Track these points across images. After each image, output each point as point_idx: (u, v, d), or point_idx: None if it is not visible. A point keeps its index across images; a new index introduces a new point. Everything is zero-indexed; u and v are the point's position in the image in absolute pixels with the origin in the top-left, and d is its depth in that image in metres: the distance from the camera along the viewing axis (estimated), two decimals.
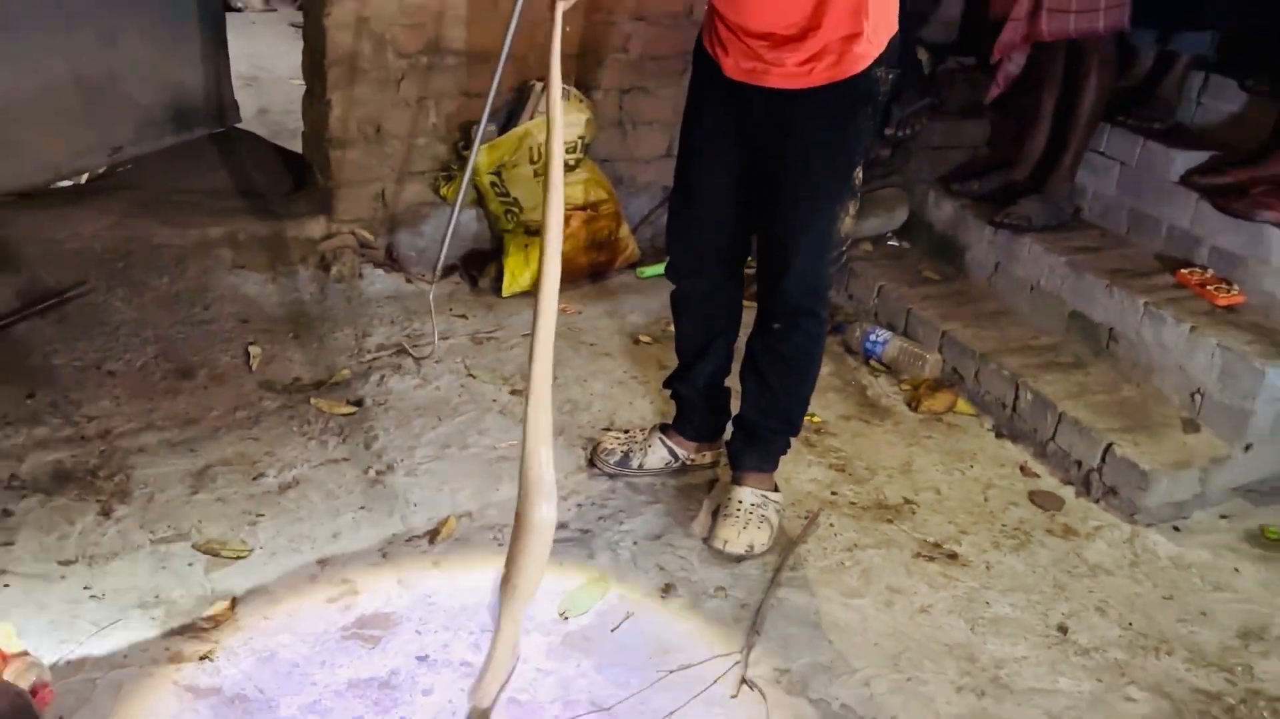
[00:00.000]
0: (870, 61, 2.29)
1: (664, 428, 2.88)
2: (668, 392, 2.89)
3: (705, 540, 2.63)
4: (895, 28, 2.34)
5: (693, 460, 2.87)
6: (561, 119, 2.01)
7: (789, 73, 2.28)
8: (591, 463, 2.87)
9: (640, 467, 2.83)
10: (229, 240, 3.56)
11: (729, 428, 2.79)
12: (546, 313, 1.98)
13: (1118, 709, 2.28)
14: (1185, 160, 3.48)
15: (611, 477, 2.83)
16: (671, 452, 2.84)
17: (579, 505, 2.73)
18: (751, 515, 2.62)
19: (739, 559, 2.58)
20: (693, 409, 2.82)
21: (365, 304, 3.51)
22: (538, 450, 1.94)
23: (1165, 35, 3.59)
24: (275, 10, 7.05)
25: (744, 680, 2.25)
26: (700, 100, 2.51)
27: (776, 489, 2.72)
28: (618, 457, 2.84)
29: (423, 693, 2.15)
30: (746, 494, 2.66)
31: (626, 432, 2.93)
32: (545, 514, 1.93)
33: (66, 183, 3.82)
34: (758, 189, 2.46)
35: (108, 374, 3.04)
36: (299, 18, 6.77)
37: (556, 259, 2.01)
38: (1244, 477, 3.00)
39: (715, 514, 2.66)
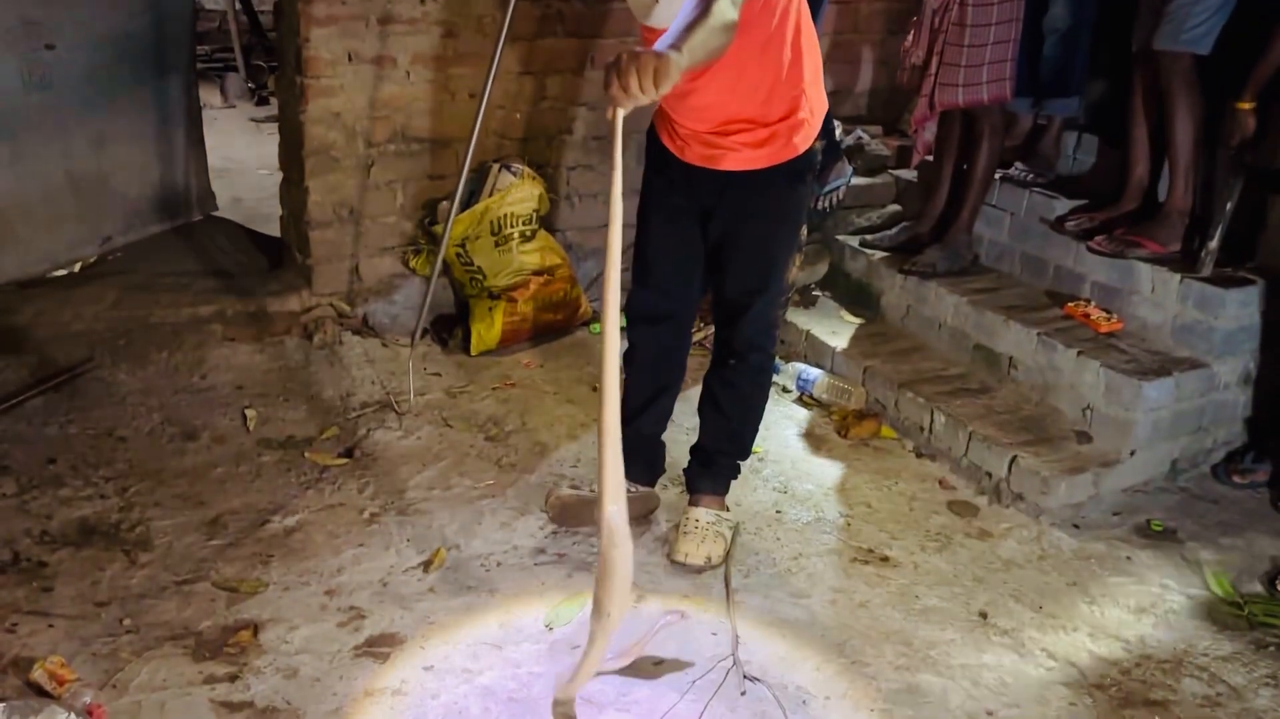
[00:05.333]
0: (812, 140, 2.59)
1: None
2: None
3: (667, 556, 2.85)
4: (827, 106, 2.65)
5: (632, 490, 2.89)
6: (620, 218, 2.04)
7: (743, 158, 2.53)
8: (547, 501, 2.98)
9: (592, 490, 2.92)
10: (219, 316, 3.74)
11: (677, 460, 3.01)
12: (610, 384, 2.07)
13: (1032, 676, 2.53)
14: (1064, 208, 3.81)
15: (578, 496, 2.96)
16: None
17: (555, 533, 2.93)
18: (708, 532, 2.84)
19: (699, 570, 2.80)
20: (634, 455, 2.74)
21: (346, 368, 3.70)
22: (611, 509, 2.09)
23: (1039, 102, 3.95)
24: (234, 106, 7.26)
25: (746, 677, 2.44)
26: (657, 183, 2.72)
27: (728, 509, 2.95)
28: (567, 485, 3.01)
29: (431, 696, 2.34)
30: (703, 514, 2.88)
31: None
32: (624, 554, 2.10)
33: (62, 271, 3.99)
34: (716, 250, 2.69)
35: (119, 439, 3.20)
36: (258, 113, 7.03)
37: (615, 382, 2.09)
38: (1130, 479, 3.27)
39: (675, 532, 2.88)
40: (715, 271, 2.75)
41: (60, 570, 2.64)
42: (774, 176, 2.59)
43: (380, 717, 2.27)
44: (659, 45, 2.05)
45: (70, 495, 2.93)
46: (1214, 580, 2.89)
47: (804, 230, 2.73)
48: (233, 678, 2.34)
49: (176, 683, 2.31)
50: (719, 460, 2.93)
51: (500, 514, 3.00)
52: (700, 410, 2.92)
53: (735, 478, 2.98)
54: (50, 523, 2.81)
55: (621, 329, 2.22)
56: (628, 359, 2.88)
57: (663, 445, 3.00)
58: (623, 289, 2.16)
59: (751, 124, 2.52)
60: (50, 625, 2.45)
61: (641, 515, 2.97)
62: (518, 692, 2.37)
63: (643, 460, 2.93)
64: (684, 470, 2.99)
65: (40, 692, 2.22)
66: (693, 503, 2.92)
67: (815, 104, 2.60)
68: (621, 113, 2.03)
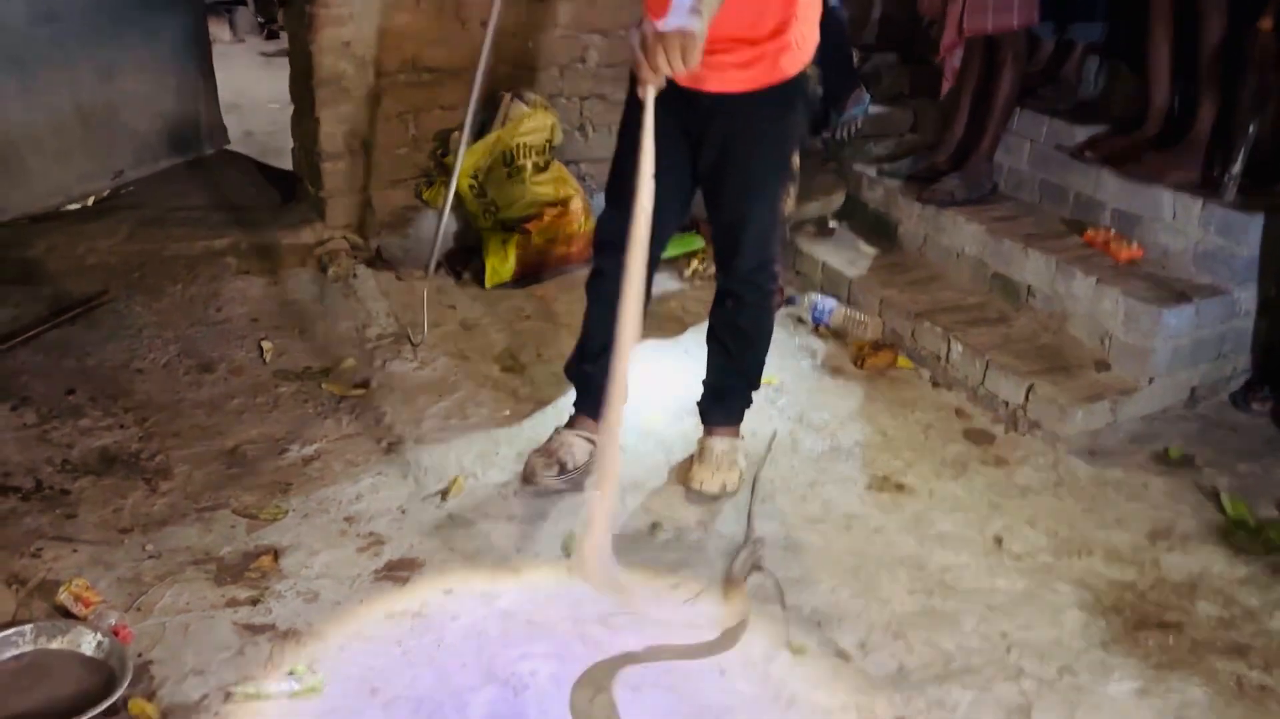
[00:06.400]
0: (801, 67, 2.56)
1: (570, 422, 2.91)
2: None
3: (684, 484, 2.88)
4: (817, 41, 2.60)
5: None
6: (650, 202, 2.15)
7: (728, 79, 2.49)
8: (527, 481, 2.83)
9: (576, 467, 2.83)
10: (233, 249, 3.77)
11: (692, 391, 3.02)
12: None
13: (1046, 600, 2.56)
14: (1085, 134, 3.78)
15: (563, 490, 2.81)
16: (588, 439, 2.83)
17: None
18: (723, 460, 2.87)
19: (714, 498, 2.84)
20: (601, 390, 2.57)
21: (361, 300, 3.72)
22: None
23: (1062, 26, 3.90)
24: (244, 41, 7.23)
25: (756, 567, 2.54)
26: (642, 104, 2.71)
27: (742, 438, 2.97)
28: (555, 470, 2.81)
29: (451, 618, 2.39)
30: (717, 443, 2.90)
31: (548, 447, 2.86)
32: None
33: (75, 205, 4.01)
34: (705, 181, 2.67)
35: (137, 371, 3.25)
36: (268, 47, 7.01)
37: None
38: (1149, 406, 3.28)
39: (691, 461, 2.91)
40: (709, 205, 2.74)
41: (82, 498, 2.69)
42: (762, 102, 2.55)
43: (401, 639, 2.33)
44: (676, 9, 2.04)
45: (90, 425, 2.97)
46: (1230, 505, 2.91)
47: (796, 160, 2.70)
48: (254, 601, 2.39)
49: (199, 606, 2.37)
50: (728, 393, 2.95)
51: (517, 444, 3.03)
52: (707, 345, 2.93)
53: (748, 407, 2.99)
54: (71, 452, 2.86)
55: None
56: (592, 289, 2.83)
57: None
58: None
59: (737, 43, 2.47)
60: (74, 551, 2.50)
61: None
62: (536, 614, 2.41)
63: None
64: (697, 403, 3.00)
65: (66, 614, 2.28)
66: (707, 433, 2.94)
67: (806, 34, 2.55)
68: (653, 91, 2.04)
